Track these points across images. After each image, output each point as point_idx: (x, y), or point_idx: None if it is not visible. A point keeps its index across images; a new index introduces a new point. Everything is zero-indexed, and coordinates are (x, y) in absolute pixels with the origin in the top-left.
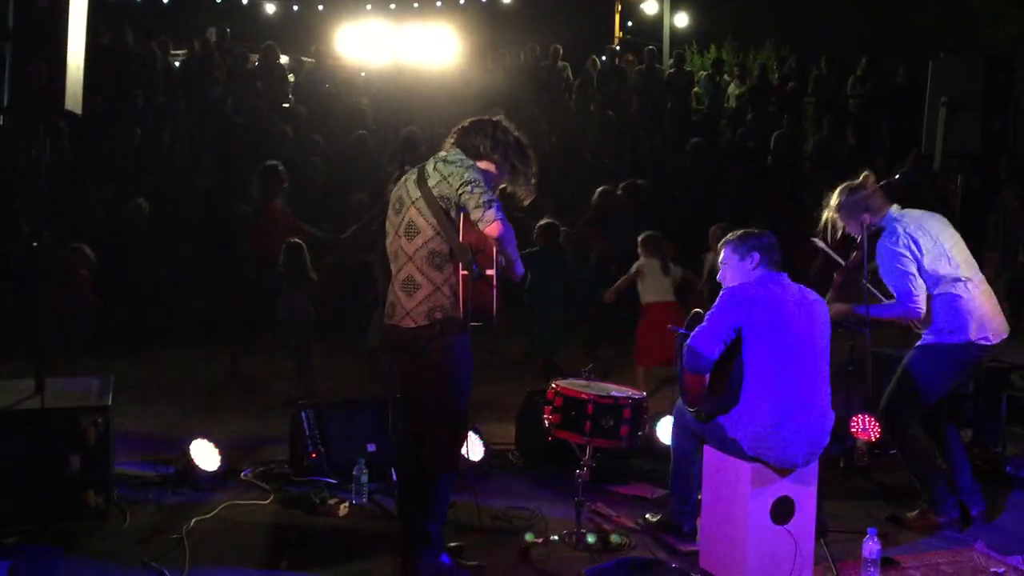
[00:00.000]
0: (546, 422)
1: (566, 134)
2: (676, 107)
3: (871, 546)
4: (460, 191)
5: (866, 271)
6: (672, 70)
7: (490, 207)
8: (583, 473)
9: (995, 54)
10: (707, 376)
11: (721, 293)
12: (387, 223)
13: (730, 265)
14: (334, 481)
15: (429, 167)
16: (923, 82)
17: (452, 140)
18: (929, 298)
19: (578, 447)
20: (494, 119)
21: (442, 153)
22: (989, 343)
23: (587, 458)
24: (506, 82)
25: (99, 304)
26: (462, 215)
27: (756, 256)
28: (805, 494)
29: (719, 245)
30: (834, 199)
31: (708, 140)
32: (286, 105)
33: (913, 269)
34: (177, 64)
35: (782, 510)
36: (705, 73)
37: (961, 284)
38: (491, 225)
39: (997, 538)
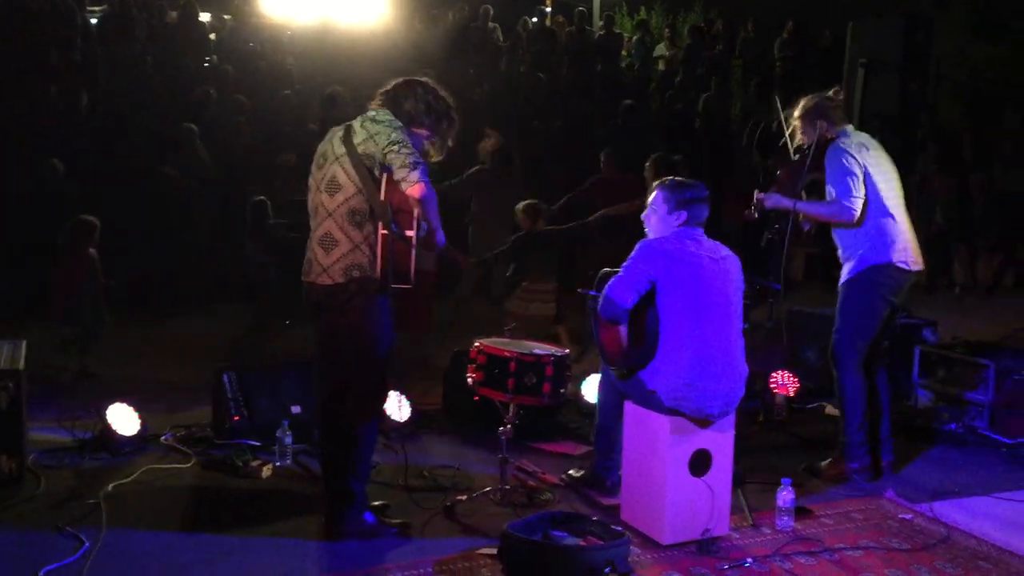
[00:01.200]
0: (470, 380)
1: (496, 96)
2: (606, 69)
3: (785, 495)
4: (386, 150)
5: (805, 175)
6: (602, 32)
7: (415, 168)
8: (506, 431)
9: (915, 14)
10: (622, 332)
11: (638, 245)
12: (310, 178)
13: (658, 213)
14: (257, 444)
15: (356, 124)
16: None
17: (380, 100)
18: (864, 209)
19: (501, 405)
20: (423, 80)
21: (371, 112)
22: (908, 268)
23: (510, 416)
24: (435, 43)
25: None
26: (385, 175)
27: (684, 215)
28: (722, 446)
29: (655, 185)
30: (802, 102)
31: (638, 102)
32: (207, 63)
33: (858, 172)
34: (94, 21)
35: (700, 462)
36: (635, 36)
37: (890, 207)
38: (415, 186)
39: (906, 487)
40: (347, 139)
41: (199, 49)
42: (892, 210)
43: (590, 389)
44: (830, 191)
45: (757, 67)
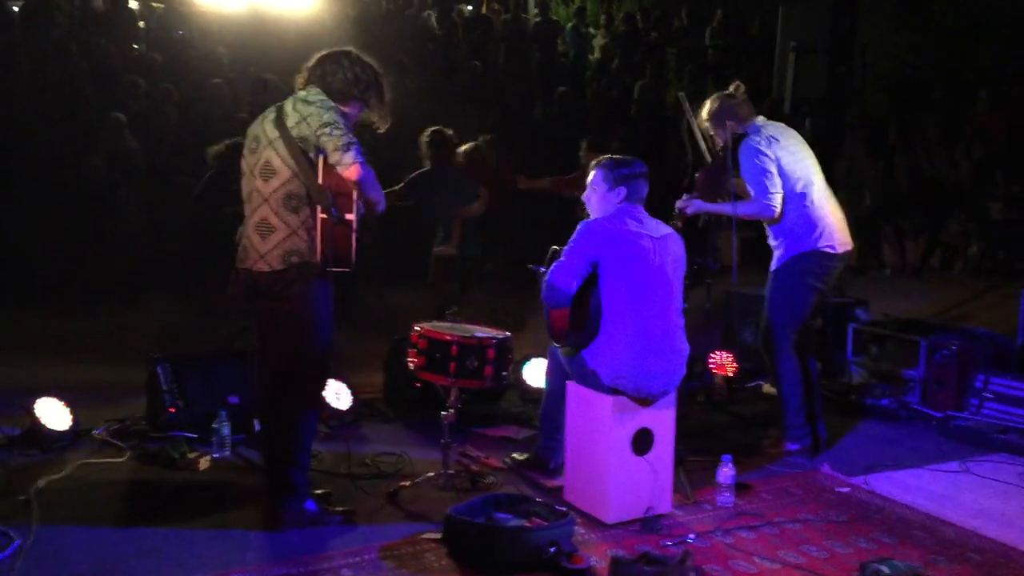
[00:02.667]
0: (411, 365)
1: (433, 84)
2: (542, 57)
3: (725, 472)
4: (319, 132)
5: (731, 173)
6: (538, 19)
7: (349, 150)
8: (449, 415)
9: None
10: (569, 311)
11: (579, 226)
12: (242, 163)
13: (598, 192)
14: (194, 436)
15: (288, 107)
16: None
17: (306, 76)
18: (784, 201)
19: (443, 389)
20: (348, 51)
21: (301, 93)
22: (834, 251)
23: (453, 400)
24: (369, 30)
25: None
26: (321, 157)
27: (623, 191)
28: (664, 426)
29: (593, 165)
30: (707, 105)
31: (574, 89)
32: (135, 51)
33: (772, 168)
34: (16, 8)
35: (642, 441)
36: (571, 23)
37: (811, 194)
38: (350, 168)
39: (841, 462)
40: (279, 122)
41: (127, 37)
42: (811, 196)
43: (532, 373)
44: (749, 190)
45: (690, 55)
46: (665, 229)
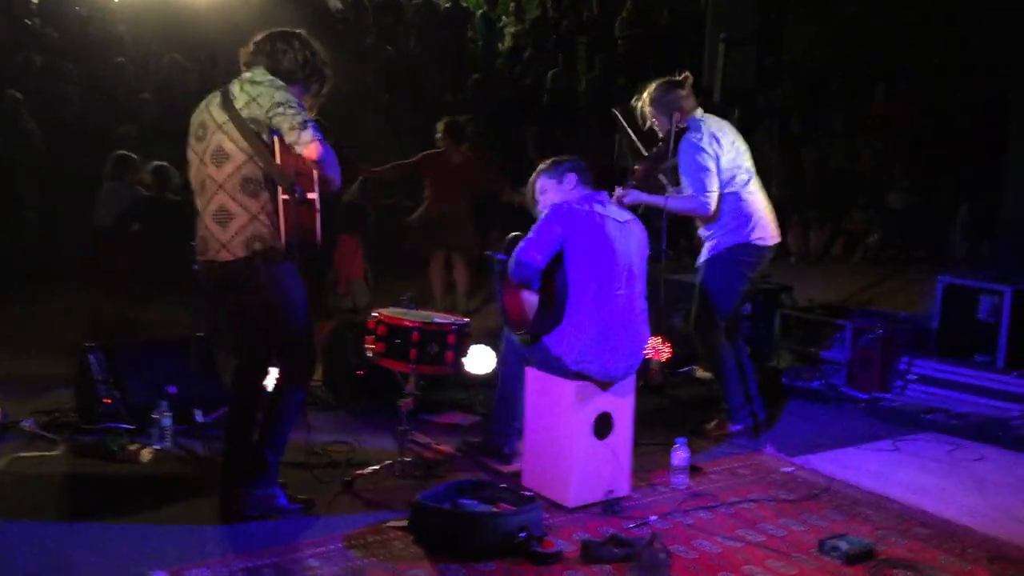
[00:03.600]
0: (369, 352)
1: (347, 70)
2: (454, 43)
3: (680, 454)
4: (271, 113)
5: (668, 165)
6: (449, 5)
7: (306, 127)
8: (407, 402)
9: None
10: (526, 297)
11: (549, 207)
12: (189, 151)
13: (549, 191)
14: (131, 427)
15: (235, 88)
16: (687, 21)
17: (252, 51)
18: (719, 198)
19: (402, 376)
20: (299, 33)
21: (247, 74)
22: (765, 243)
23: (411, 386)
24: (275, 13)
25: None
26: (276, 138)
27: (573, 177)
28: (623, 409)
29: (532, 178)
30: (650, 92)
31: (486, 77)
32: (29, 25)
33: (712, 166)
34: None
35: (602, 425)
36: (481, 10)
37: (745, 187)
38: (309, 146)
39: (781, 442)
40: (227, 104)
41: (19, 11)
42: (746, 189)
43: (473, 360)
44: (685, 186)
45: (601, 45)
46: (628, 215)
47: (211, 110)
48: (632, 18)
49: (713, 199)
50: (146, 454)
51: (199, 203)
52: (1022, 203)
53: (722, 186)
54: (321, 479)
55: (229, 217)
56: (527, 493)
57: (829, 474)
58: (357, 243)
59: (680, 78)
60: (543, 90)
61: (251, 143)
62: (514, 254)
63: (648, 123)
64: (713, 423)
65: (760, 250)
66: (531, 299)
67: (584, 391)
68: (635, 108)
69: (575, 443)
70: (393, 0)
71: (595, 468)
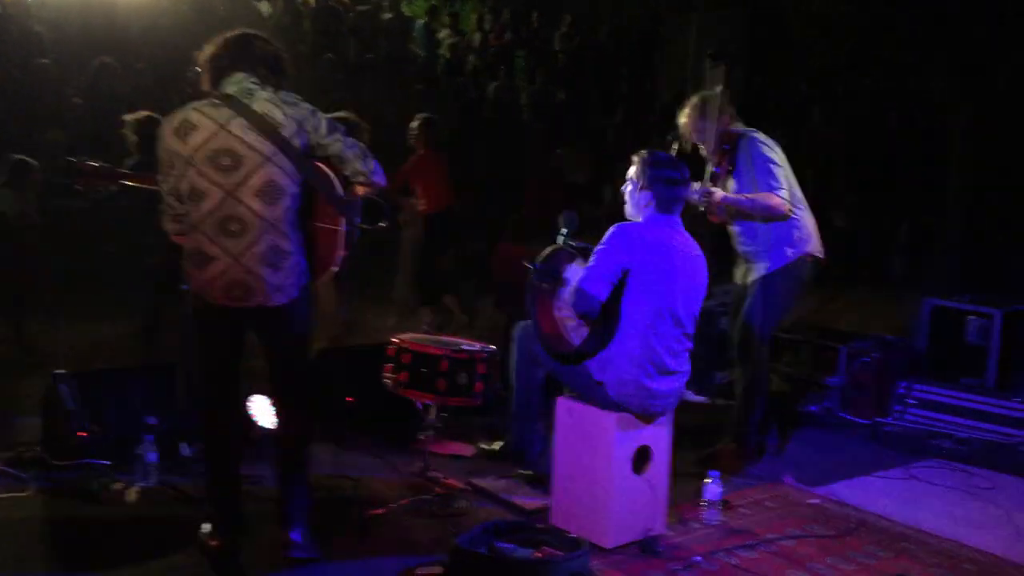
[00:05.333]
0: (389, 382)
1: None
2: (395, 53)
3: (713, 488)
4: (328, 139)
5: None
6: (390, 15)
7: (369, 156)
8: (429, 436)
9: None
10: (560, 315)
11: (614, 228)
12: (200, 180)
13: (631, 185)
14: (107, 463)
15: (264, 106)
16: (626, 36)
17: (230, 61)
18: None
19: (424, 407)
20: (263, 35)
21: (265, 92)
22: (820, 256)
23: (433, 418)
24: (201, 16)
25: None
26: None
27: (650, 197)
28: (661, 442)
29: (636, 157)
30: (695, 106)
31: (430, 87)
32: None
33: (780, 161)
34: None
35: (641, 459)
36: (422, 20)
37: (800, 199)
38: (377, 175)
39: (796, 471)
40: (265, 128)
41: None
42: (802, 202)
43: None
44: (755, 187)
45: (541, 58)
46: (696, 249)
47: (237, 132)
48: (571, 32)
49: (787, 195)
50: (133, 494)
51: (226, 243)
52: (960, 224)
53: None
54: (328, 519)
55: (284, 257)
56: (570, 535)
57: (855, 504)
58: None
59: (715, 90)
60: (485, 102)
61: (305, 174)
62: (578, 284)
63: (692, 141)
64: (722, 449)
65: (817, 262)
66: (565, 314)
67: (626, 423)
68: (681, 127)
69: (614, 479)
70: (332, 6)
71: (633, 506)
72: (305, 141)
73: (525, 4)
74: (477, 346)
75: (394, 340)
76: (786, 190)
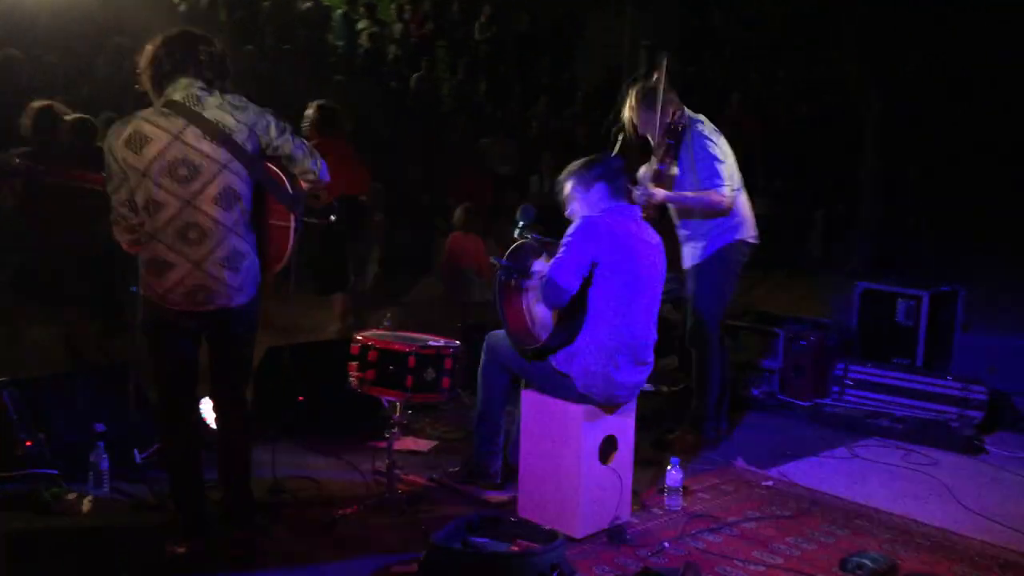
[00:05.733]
0: (354, 380)
1: None
2: (313, 43)
3: (674, 475)
4: (279, 141)
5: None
6: (309, 4)
7: (316, 155)
8: (396, 433)
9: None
10: (528, 310)
11: (578, 222)
12: (156, 191)
13: (577, 200)
14: (55, 472)
15: (216, 113)
16: (546, 27)
17: (174, 65)
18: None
19: (390, 404)
20: (205, 35)
21: (213, 97)
22: (754, 241)
23: (399, 416)
24: (112, 8)
25: None
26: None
27: (603, 188)
28: (626, 431)
29: (562, 177)
30: (638, 95)
31: (349, 80)
32: None
33: (724, 157)
34: None
35: (607, 449)
36: (340, 10)
37: (736, 185)
38: (323, 172)
39: (745, 454)
40: (220, 136)
41: None
42: (740, 186)
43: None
44: (698, 180)
45: (462, 49)
46: (656, 237)
47: (192, 143)
48: (490, 22)
49: (729, 192)
50: (86, 504)
51: (185, 250)
52: (875, 208)
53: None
54: (291, 520)
55: (241, 259)
56: (544, 527)
57: (807, 485)
58: None
59: (655, 78)
60: (407, 94)
61: (257, 177)
62: (550, 276)
63: (638, 132)
64: (678, 435)
65: (751, 247)
66: (537, 312)
67: (592, 414)
68: (624, 118)
69: (583, 469)
70: None
71: (601, 495)
72: (256, 144)
73: None
74: (442, 341)
75: (358, 338)
76: (728, 186)
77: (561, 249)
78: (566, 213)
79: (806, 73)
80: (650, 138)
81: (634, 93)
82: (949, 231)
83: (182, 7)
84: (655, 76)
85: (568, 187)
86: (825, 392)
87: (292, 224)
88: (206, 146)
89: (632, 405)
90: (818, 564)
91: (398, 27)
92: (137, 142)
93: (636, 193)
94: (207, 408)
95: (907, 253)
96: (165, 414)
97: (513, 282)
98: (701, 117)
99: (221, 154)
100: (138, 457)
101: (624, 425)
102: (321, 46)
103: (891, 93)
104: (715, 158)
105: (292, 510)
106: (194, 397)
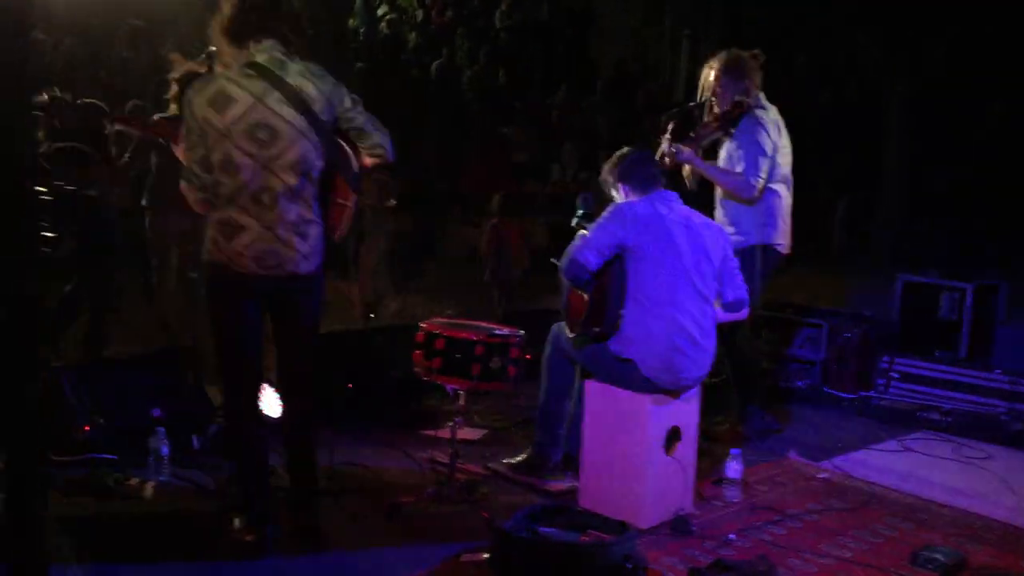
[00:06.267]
0: (419, 370)
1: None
2: (335, 30)
3: (735, 466)
4: (351, 114)
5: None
6: None
7: (386, 132)
8: (459, 422)
9: None
10: (587, 298)
11: (610, 207)
12: (235, 152)
13: (612, 189)
14: (114, 457)
15: (297, 80)
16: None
17: (255, 30)
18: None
19: (455, 393)
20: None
21: (296, 63)
22: (782, 251)
23: (462, 404)
24: None
25: None
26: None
27: (624, 188)
28: (691, 421)
29: (603, 172)
30: (723, 59)
31: (370, 66)
32: None
33: (770, 151)
34: None
35: (670, 439)
36: None
37: (783, 187)
38: (388, 150)
39: (798, 445)
40: (298, 103)
41: None
42: (785, 187)
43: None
44: (739, 162)
45: (483, 37)
46: (699, 217)
47: (274, 107)
48: (511, 11)
49: (761, 185)
50: (149, 489)
51: (257, 213)
52: (898, 199)
53: (772, 180)
54: (347, 507)
55: (310, 226)
56: (613, 518)
57: (862, 478)
58: None
59: (749, 53)
60: (429, 82)
61: (330, 152)
62: (569, 251)
63: (708, 94)
64: (725, 427)
65: (778, 257)
66: (592, 299)
67: (659, 402)
68: (702, 76)
69: (649, 459)
70: None
71: (665, 485)
72: (332, 115)
73: None
74: (507, 330)
75: (423, 326)
76: (761, 179)
77: (590, 228)
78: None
79: (828, 58)
80: (715, 106)
81: (722, 56)
82: (971, 223)
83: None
84: (751, 53)
85: (607, 180)
86: (869, 385)
87: (351, 204)
88: (287, 111)
89: (696, 395)
90: (888, 558)
91: (419, 14)
92: (221, 102)
93: (664, 146)
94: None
95: (931, 244)
96: (230, 387)
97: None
98: (768, 106)
99: (300, 121)
100: (196, 442)
101: (689, 415)
102: (341, 31)
103: (915, 80)
104: (760, 147)
105: (353, 498)
106: (260, 369)
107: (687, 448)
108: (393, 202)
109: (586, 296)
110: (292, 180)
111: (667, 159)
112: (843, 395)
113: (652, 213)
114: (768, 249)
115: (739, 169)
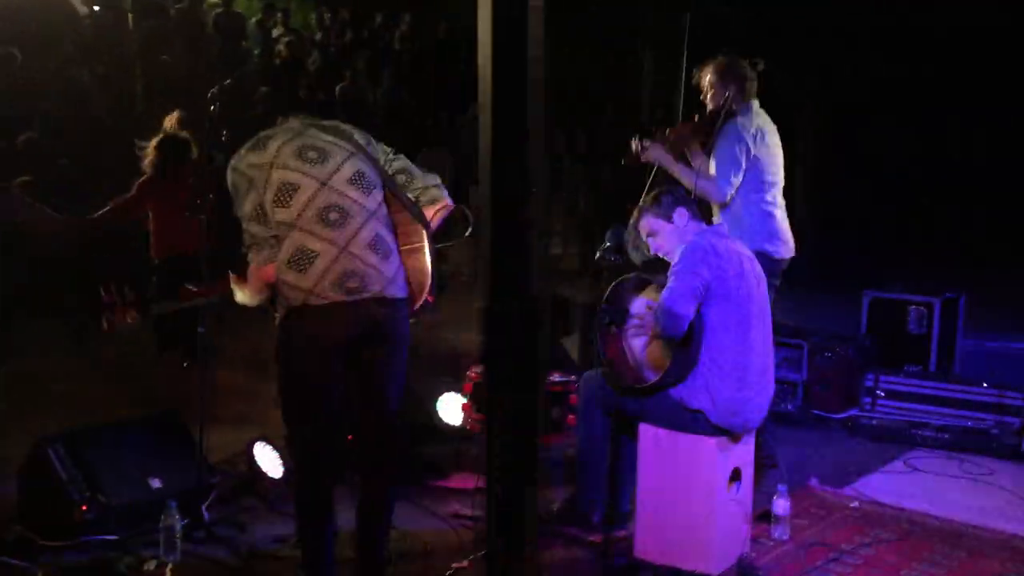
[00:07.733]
0: (470, 422)
1: (110, 79)
2: (228, 52)
3: (783, 504)
4: (394, 157)
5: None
6: (220, 11)
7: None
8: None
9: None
10: (628, 348)
11: (686, 247)
12: (292, 173)
13: (661, 232)
14: (115, 537)
15: (334, 124)
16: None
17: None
18: (744, 202)
19: None
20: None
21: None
22: (780, 256)
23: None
24: (15, 15)
25: None
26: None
27: (684, 212)
28: (748, 460)
29: (634, 221)
30: (719, 61)
31: (274, 90)
32: None
33: (743, 161)
34: None
35: (733, 481)
36: (255, 18)
37: (772, 193)
38: (447, 202)
39: (813, 472)
40: (346, 137)
41: None
42: (773, 197)
43: (446, 410)
44: (711, 167)
45: (385, 59)
46: (747, 249)
47: (317, 134)
48: (410, 32)
49: (729, 192)
50: (168, 572)
51: (328, 234)
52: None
53: (756, 188)
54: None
55: (388, 248)
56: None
57: (893, 504)
58: None
59: (753, 60)
60: (335, 105)
61: (384, 178)
62: (665, 305)
63: (706, 95)
64: None
65: (776, 262)
66: (636, 347)
67: (722, 446)
68: (697, 78)
69: (716, 503)
70: (155, 3)
71: (730, 528)
72: (374, 154)
73: (364, 3)
74: (558, 376)
75: (471, 375)
76: (732, 185)
77: (671, 278)
78: (650, 252)
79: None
80: (714, 104)
81: (717, 60)
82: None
83: (87, 19)
84: (749, 61)
85: (648, 224)
86: (855, 403)
87: (425, 244)
88: (330, 137)
89: (752, 432)
90: None
91: (319, 35)
92: (258, 144)
93: (633, 143)
94: (263, 454)
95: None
96: (308, 451)
97: (615, 327)
98: (757, 113)
99: (348, 143)
100: (206, 515)
101: (746, 455)
102: (238, 54)
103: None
104: (734, 158)
105: (404, 565)
106: (339, 433)
107: (746, 487)
108: None
109: (623, 346)
110: (356, 194)
111: (635, 154)
112: (830, 415)
113: (725, 246)
114: (760, 255)
115: (711, 175)
